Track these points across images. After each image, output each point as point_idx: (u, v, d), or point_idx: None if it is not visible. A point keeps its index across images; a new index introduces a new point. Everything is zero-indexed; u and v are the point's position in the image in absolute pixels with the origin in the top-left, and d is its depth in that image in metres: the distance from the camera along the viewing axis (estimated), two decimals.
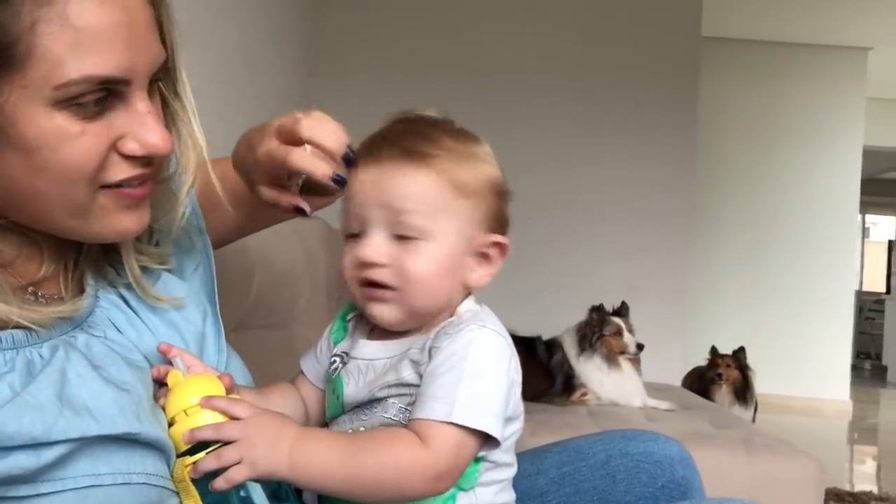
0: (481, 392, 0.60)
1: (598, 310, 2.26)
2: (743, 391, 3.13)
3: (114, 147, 0.55)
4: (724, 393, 3.12)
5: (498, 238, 0.68)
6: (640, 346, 2.22)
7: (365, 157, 0.65)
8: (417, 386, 0.63)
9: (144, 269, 0.67)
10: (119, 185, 0.57)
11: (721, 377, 3.13)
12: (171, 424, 0.59)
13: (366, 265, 0.64)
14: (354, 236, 0.66)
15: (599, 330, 2.23)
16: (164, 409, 0.60)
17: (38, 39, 0.49)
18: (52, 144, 0.52)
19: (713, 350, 3.30)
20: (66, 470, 0.52)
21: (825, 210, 4.76)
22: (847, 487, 2.87)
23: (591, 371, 2.21)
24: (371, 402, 0.65)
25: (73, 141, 0.52)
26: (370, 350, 0.68)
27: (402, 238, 0.64)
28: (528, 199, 3.24)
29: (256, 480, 0.58)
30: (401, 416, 0.64)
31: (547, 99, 3.14)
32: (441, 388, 0.59)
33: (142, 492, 0.56)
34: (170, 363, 0.63)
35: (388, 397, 0.64)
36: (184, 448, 0.58)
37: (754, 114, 4.73)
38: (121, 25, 0.52)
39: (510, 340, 0.65)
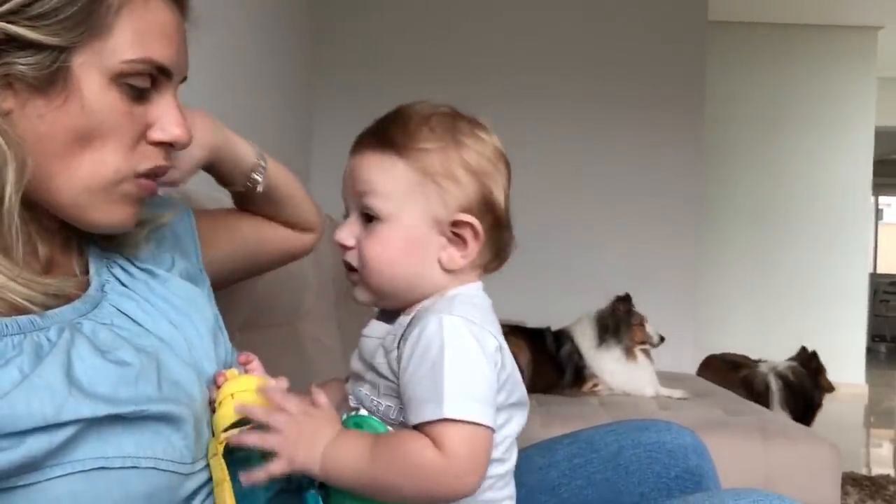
0: (464, 381, 0.60)
1: (625, 300, 2.24)
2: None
3: (144, 135, 0.62)
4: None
5: (463, 217, 0.67)
6: (661, 338, 2.22)
7: (351, 149, 0.70)
8: (386, 378, 0.64)
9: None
10: (144, 175, 0.62)
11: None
12: (216, 409, 0.64)
13: (339, 247, 0.69)
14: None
15: (627, 320, 2.23)
16: (213, 400, 0.65)
17: (120, 20, 0.58)
18: (104, 114, 0.58)
19: (808, 353, 2.98)
20: (75, 453, 0.53)
21: (838, 192, 4.71)
22: (864, 472, 2.84)
23: (607, 362, 2.20)
24: (358, 377, 0.69)
25: (119, 116, 0.59)
26: (369, 328, 0.72)
27: (367, 220, 0.68)
28: (534, 190, 3.25)
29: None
30: (371, 405, 0.66)
31: (551, 88, 3.12)
32: (427, 388, 0.59)
33: (150, 476, 0.56)
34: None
35: (366, 380, 0.68)
36: (225, 426, 0.62)
37: (763, 97, 4.68)
38: (177, 29, 0.63)
39: (486, 325, 0.64)
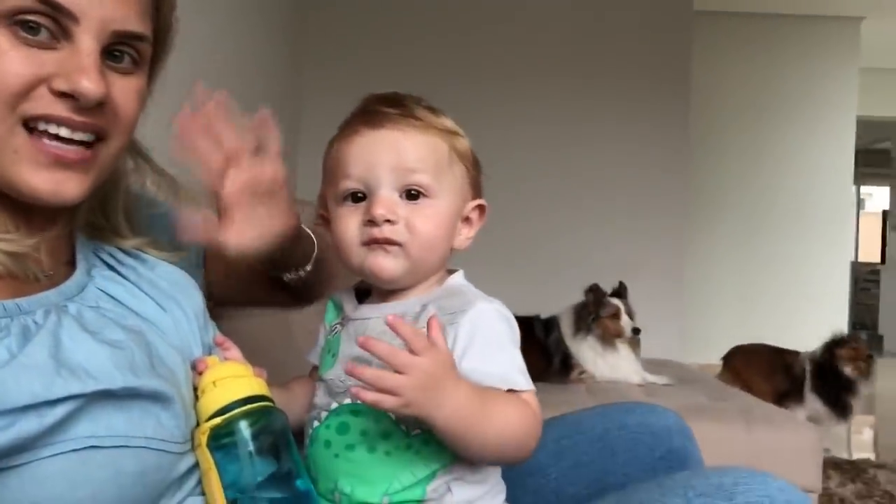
0: (520, 356, 0.67)
1: (594, 290, 2.25)
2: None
3: (46, 83, 0.56)
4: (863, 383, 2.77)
5: (481, 201, 0.73)
6: (636, 330, 2.21)
7: (363, 124, 0.68)
8: None
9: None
10: (44, 134, 0.56)
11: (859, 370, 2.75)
12: (199, 397, 0.63)
13: (376, 224, 0.66)
14: (358, 200, 0.68)
15: (595, 311, 2.23)
16: (196, 386, 0.64)
17: None
18: None
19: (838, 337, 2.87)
20: (66, 433, 0.53)
21: (820, 182, 4.76)
22: (845, 456, 2.90)
23: (586, 351, 2.22)
24: (360, 361, 0.66)
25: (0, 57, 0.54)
26: (364, 311, 0.71)
27: (410, 197, 0.67)
28: (523, 181, 3.26)
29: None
30: None
31: (537, 79, 3.13)
32: (506, 364, 0.64)
33: (141, 455, 0.56)
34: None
35: (372, 362, 0.65)
36: (208, 415, 0.62)
37: (747, 87, 4.72)
38: None
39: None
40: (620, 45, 3.13)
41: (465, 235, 0.72)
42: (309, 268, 0.79)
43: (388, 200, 0.66)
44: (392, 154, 0.66)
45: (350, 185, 0.67)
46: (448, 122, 0.70)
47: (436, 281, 0.70)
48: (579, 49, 3.14)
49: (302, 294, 0.86)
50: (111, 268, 0.67)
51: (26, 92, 0.55)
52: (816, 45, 4.74)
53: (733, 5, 4.55)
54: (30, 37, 0.54)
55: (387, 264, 0.66)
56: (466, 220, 0.71)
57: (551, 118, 3.14)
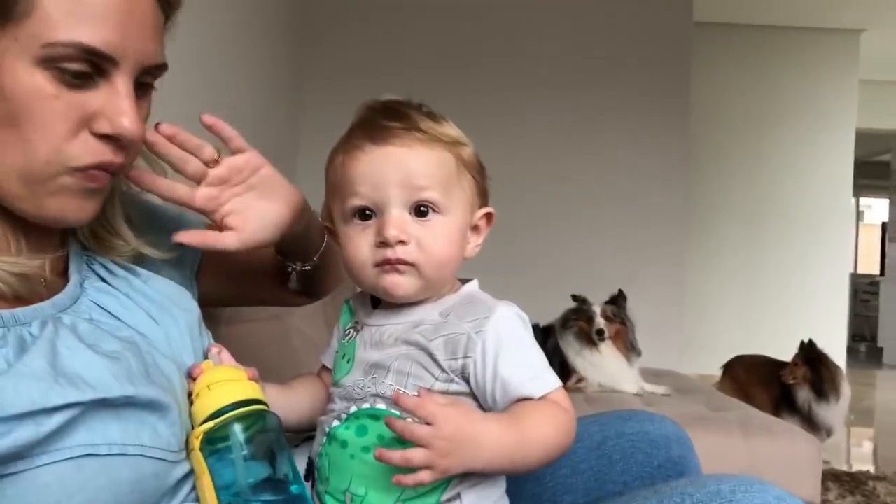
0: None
1: (577, 298, 2.34)
2: (819, 385, 2.77)
3: (87, 126, 0.58)
4: (805, 392, 2.77)
5: (489, 209, 0.72)
6: (599, 332, 2.25)
7: (367, 139, 0.66)
8: (425, 368, 0.65)
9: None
10: (86, 169, 0.59)
11: (795, 379, 2.78)
12: (193, 402, 0.64)
13: (388, 245, 0.65)
14: (365, 218, 0.67)
15: (577, 315, 2.30)
16: (191, 392, 0.65)
17: (39, 1, 0.54)
18: (26, 98, 0.55)
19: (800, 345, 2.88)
20: (63, 441, 0.53)
21: (819, 193, 4.77)
22: (844, 468, 2.88)
23: (568, 350, 2.27)
24: (377, 368, 0.67)
25: (46, 101, 0.56)
26: (380, 317, 0.70)
27: (420, 213, 0.66)
28: (522, 191, 3.26)
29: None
30: (400, 384, 0.65)
31: (537, 90, 3.14)
32: (536, 365, 0.66)
33: (137, 464, 0.56)
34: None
35: (390, 370, 0.66)
36: (202, 419, 0.62)
37: (747, 99, 4.74)
38: (120, 8, 0.56)
39: None
40: (620, 56, 3.14)
41: (473, 244, 0.71)
42: (318, 256, 0.80)
43: (399, 220, 0.65)
44: (400, 172, 0.65)
45: (358, 202, 0.66)
46: (452, 131, 0.69)
47: (449, 289, 0.70)
48: (580, 60, 3.15)
49: (308, 289, 0.86)
50: (103, 280, 0.67)
51: (71, 136, 0.57)
52: (816, 57, 4.76)
53: (733, 17, 4.57)
54: (67, 81, 0.56)
55: (401, 283, 0.66)
56: (475, 228, 0.71)
57: (551, 128, 3.15)
